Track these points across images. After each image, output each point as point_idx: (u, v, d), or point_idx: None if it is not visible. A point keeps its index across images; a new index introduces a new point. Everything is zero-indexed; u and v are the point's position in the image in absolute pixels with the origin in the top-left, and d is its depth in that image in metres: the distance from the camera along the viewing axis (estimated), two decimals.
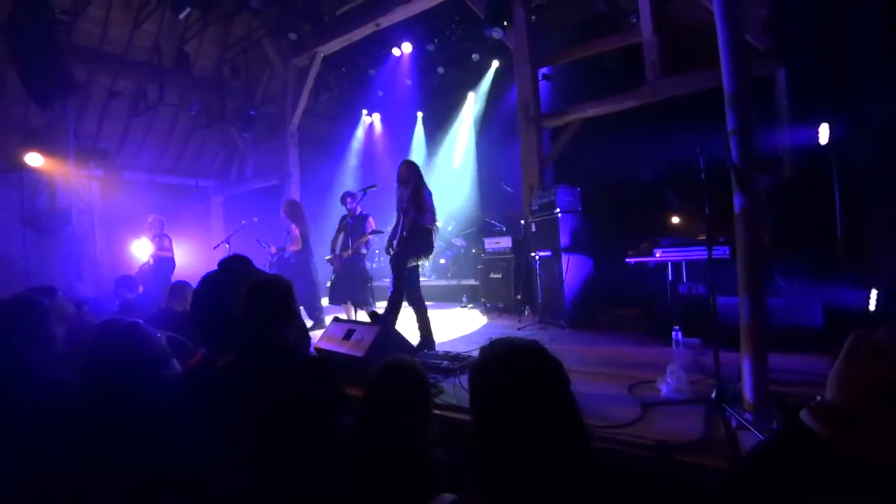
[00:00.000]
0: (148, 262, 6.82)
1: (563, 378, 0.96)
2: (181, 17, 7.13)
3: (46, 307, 1.85)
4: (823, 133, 3.94)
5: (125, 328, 1.75)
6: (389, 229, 4.34)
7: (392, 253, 4.14)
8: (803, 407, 0.79)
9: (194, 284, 4.10)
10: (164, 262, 6.73)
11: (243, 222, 6.82)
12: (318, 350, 3.45)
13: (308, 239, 5.86)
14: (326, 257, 5.64)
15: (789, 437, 0.81)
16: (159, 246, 6.69)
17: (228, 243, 6.41)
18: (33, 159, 7.49)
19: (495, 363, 0.97)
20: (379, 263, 8.96)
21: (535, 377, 0.93)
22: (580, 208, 5.19)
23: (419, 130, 10.92)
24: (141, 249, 7.28)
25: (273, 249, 6.07)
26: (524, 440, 0.89)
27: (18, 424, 1.52)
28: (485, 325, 5.50)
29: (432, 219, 4.10)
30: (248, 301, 1.67)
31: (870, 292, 3.23)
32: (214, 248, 6.67)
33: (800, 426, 0.77)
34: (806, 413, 0.77)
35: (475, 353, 3.58)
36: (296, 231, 5.75)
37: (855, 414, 0.73)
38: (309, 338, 3.26)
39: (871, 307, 3.19)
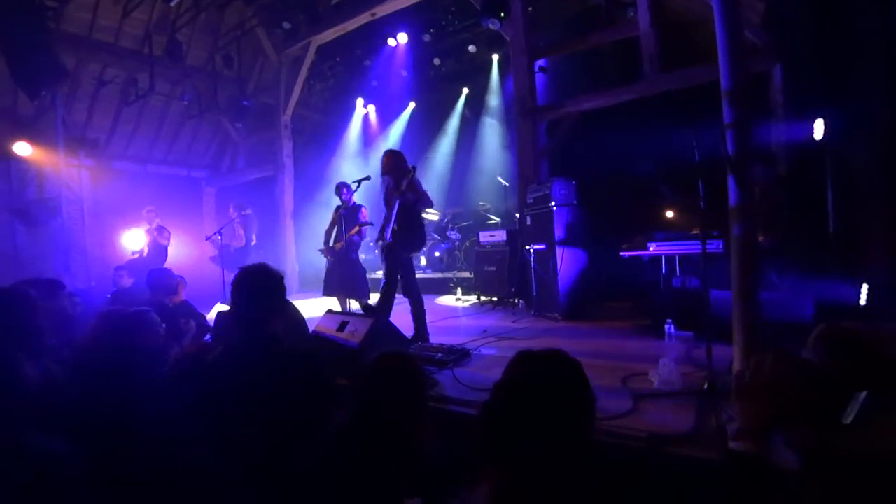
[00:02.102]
0: (141, 252, 6.77)
1: (590, 411, 1.02)
2: (172, 4, 7.01)
3: (33, 299, 1.82)
4: (818, 129, 3.95)
5: (134, 317, 1.73)
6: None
7: (383, 245, 4.11)
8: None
9: (183, 276, 4.04)
10: (160, 253, 6.69)
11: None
12: (316, 336, 3.44)
13: (250, 239, 6.70)
14: (319, 248, 5.62)
15: (735, 465, 0.99)
16: (159, 236, 6.67)
17: (221, 235, 6.38)
18: (22, 149, 7.37)
19: (535, 383, 1.00)
20: (372, 255, 8.93)
21: (566, 407, 0.97)
22: (575, 201, 5.19)
23: (409, 121, 10.83)
24: (132, 240, 7.22)
25: (219, 239, 6.49)
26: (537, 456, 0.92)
27: (7, 418, 1.50)
28: (479, 318, 5.51)
29: (428, 202, 4.09)
30: (235, 290, 1.65)
31: (861, 287, 3.26)
32: (207, 238, 6.65)
33: (733, 453, 0.99)
34: (733, 443, 1.00)
35: (469, 346, 3.60)
36: (241, 230, 6.54)
37: (763, 430, 0.95)
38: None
39: (862, 302, 3.22)
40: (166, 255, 6.77)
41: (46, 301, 1.99)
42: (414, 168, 4.01)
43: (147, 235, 6.75)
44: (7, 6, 6.12)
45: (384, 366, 1.59)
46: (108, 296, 4.80)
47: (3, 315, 1.67)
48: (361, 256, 5.87)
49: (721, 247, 3.69)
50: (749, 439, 0.97)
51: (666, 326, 3.70)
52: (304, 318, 3.43)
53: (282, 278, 1.75)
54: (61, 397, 1.62)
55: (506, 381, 1.03)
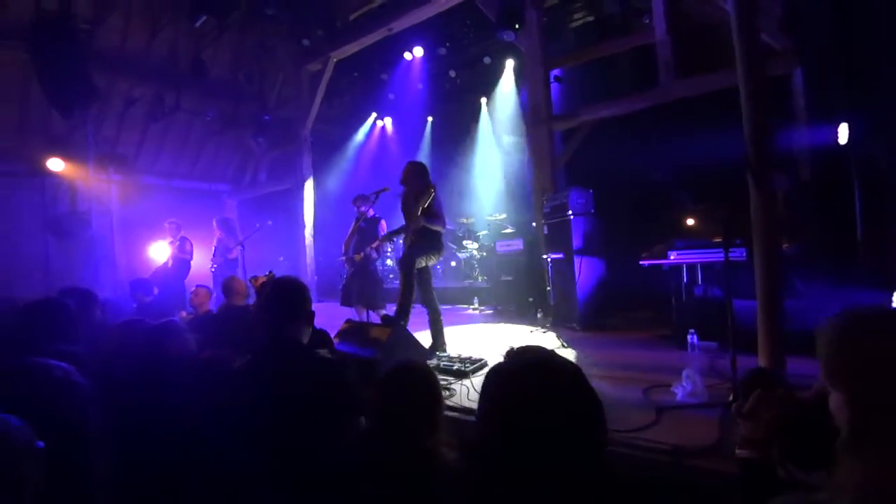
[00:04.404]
0: (166, 264, 6.95)
1: (599, 422, 0.81)
2: (197, 25, 7.26)
3: (73, 310, 1.90)
4: (843, 133, 3.86)
5: (161, 327, 1.80)
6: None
7: (400, 255, 4.12)
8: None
9: (210, 285, 4.17)
10: (182, 265, 6.87)
11: (258, 225, 6.95)
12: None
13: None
14: (339, 258, 5.69)
15: (742, 469, 1.14)
16: (180, 249, 6.84)
17: (243, 246, 6.54)
18: (55, 164, 7.70)
19: (520, 387, 0.80)
20: (389, 265, 8.99)
21: (567, 418, 0.76)
22: (593, 210, 5.15)
23: (430, 135, 10.97)
24: (158, 252, 7.43)
25: (213, 267, 6.84)
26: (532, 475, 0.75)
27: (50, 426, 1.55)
28: (496, 328, 5.48)
29: (443, 224, 4.07)
30: (266, 299, 1.70)
31: (891, 295, 3.15)
32: (229, 250, 6.80)
33: (741, 460, 1.14)
34: (739, 450, 1.16)
35: (486, 357, 3.58)
36: (234, 244, 6.64)
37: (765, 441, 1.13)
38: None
39: None
40: (189, 267, 6.94)
41: (81, 311, 2.07)
42: (434, 188, 3.93)
43: (171, 248, 6.95)
44: (42, 30, 6.44)
45: (398, 376, 1.61)
46: (134, 308, 4.92)
47: (44, 324, 1.75)
48: (380, 268, 5.91)
49: (744, 255, 3.61)
50: (753, 448, 1.13)
51: (688, 336, 3.63)
52: None
53: (307, 289, 1.80)
54: (91, 405, 1.68)
55: (487, 414, 0.83)
